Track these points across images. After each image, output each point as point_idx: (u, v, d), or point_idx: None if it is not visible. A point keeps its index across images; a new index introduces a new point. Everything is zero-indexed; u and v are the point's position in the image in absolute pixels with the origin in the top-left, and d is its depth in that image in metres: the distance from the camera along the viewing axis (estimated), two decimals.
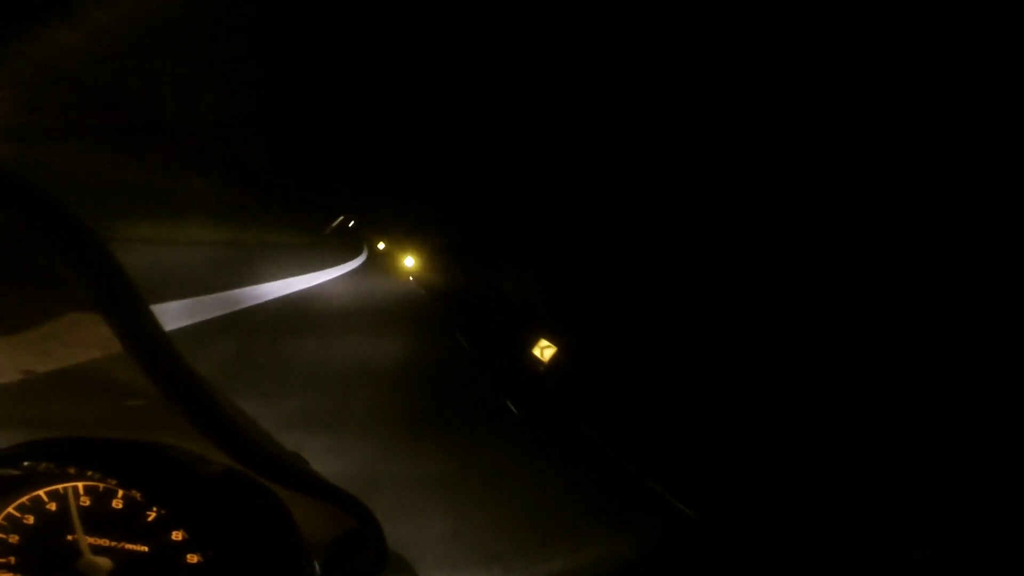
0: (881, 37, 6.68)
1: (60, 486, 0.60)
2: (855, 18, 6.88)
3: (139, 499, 0.59)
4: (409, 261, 45.04)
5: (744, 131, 9.07)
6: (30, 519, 0.61)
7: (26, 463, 0.58)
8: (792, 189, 8.62)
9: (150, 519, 0.59)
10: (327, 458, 4.07)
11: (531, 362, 12.08)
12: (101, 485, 0.60)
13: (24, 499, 0.61)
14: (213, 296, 9.04)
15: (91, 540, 0.60)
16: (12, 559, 0.61)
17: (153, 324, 0.46)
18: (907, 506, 4.83)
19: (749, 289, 8.57)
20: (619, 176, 13.51)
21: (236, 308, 9.67)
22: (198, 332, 6.37)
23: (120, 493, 0.60)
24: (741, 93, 9.07)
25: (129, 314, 0.45)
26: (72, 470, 0.59)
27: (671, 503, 5.16)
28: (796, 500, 5.12)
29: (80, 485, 0.60)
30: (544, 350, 12.16)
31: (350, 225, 55.95)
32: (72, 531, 0.60)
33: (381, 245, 67.72)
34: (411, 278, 38.01)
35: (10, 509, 0.61)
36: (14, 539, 0.61)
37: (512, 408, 7.69)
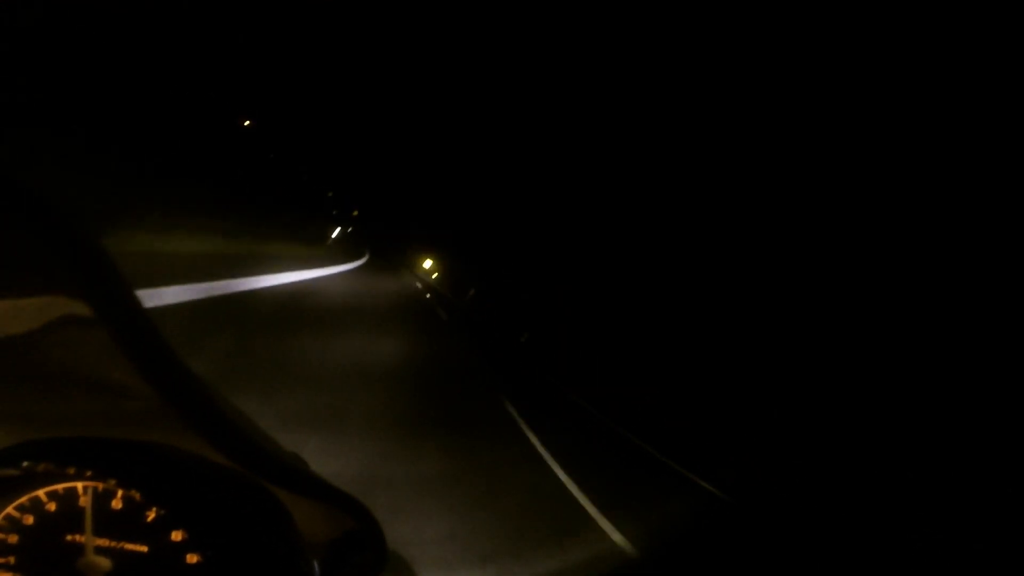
0: (880, 37, 6.69)
1: (59, 486, 0.60)
2: (854, 17, 6.88)
3: (138, 499, 0.59)
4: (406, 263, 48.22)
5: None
6: (29, 519, 0.61)
7: (25, 463, 0.58)
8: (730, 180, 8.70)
9: (149, 519, 0.59)
10: (326, 458, 4.07)
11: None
12: (100, 485, 0.60)
13: (23, 499, 0.61)
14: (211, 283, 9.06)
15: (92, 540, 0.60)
16: (11, 559, 0.61)
17: (148, 325, 0.46)
18: (921, 500, 4.83)
19: (761, 281, 8.60)
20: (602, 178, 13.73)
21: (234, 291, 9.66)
22: (195, 330, 6.35)
23: (119, 493, 0.60)
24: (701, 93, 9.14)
25: (124, 315, 0.45)
26: (71, 470, 0.59)
27: (671, 499, 5.17)
28: (808, 487, 5.13)
29: (79, 485, 0.60)
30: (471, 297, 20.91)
31: (348, 230, 59.55)
32: (71, 531, 0.60)
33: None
34: (410, 273, 39.62)
35: (9, 510, 0.61)
36: (13, 539, 0.61)
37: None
